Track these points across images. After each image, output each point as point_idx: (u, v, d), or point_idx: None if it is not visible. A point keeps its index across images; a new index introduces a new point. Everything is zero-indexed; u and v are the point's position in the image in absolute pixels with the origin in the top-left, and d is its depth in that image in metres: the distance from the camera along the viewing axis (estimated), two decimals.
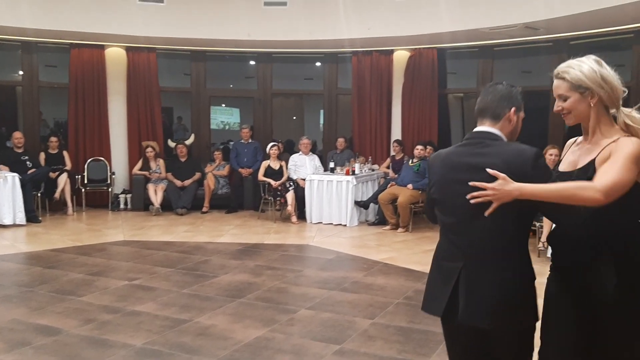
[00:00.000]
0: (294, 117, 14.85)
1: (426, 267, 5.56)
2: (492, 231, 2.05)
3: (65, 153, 9.33)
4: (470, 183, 2.01)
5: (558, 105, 2.19)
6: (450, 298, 2.10)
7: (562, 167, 2.28)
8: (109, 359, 3.50)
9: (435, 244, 2.31)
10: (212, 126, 13.16)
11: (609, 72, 2.12)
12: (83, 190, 9.47)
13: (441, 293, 2.14)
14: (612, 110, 2.16)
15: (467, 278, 2.08)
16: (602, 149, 2.10)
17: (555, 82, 2.19)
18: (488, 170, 1.99)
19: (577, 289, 2.15)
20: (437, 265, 2.23)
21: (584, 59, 2.16)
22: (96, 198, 9.77)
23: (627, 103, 2.36)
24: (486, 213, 2.00)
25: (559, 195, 1.97)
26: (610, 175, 1.97)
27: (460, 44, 9.29)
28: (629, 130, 2.12)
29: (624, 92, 2.18)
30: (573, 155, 2.26)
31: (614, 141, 2.08)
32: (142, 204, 9.38)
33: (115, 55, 9.86)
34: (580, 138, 2.29)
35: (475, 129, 2.20)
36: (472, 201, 2.01)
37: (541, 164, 2.04)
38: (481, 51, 9.34)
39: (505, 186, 1.96)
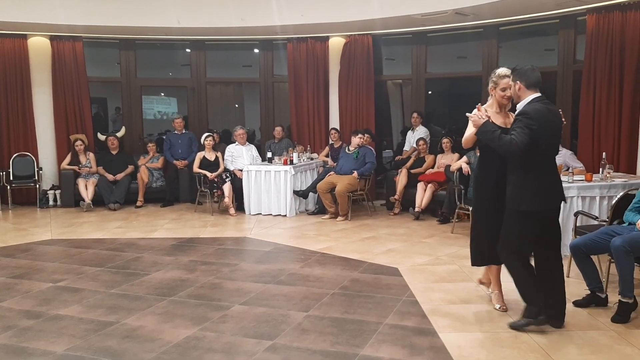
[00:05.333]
0: (236, 106, 14.59)
1: (363, 255, 5.77)
2: (557, 150, 3.82)
3: None
4: (561, 114, 3.85)
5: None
6: (555, 193, 3.73)
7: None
8: None
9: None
10: (149, 116, 12.78)
11: None
12: (9, 187, 9.01)
13: (553, 192, 3.70)
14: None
15: (557, 180, 3.75)
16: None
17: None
18: (561, 111, 3.88)
19: None
20: (541, 179, 3.63)
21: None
22: (23, 195, 9.34)
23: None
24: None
25: None
26: None
27: (395, 31, 9.29)
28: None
29: None
30: (497, 119, 3.95)
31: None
32: (72, 200, 9.01)
33: (39, 45, 9.36)
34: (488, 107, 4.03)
35: (540, 95, 3.67)
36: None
37: None
38: (415, 37, 9.38)
39: None
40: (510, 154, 3.55)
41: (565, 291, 3.83)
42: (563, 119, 3.79)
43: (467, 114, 3.86)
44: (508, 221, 3.74)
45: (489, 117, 3.76)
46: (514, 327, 3.78)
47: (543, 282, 3.76)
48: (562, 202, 3.80)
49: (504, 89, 3.92)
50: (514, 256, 3.73)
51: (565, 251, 5.52)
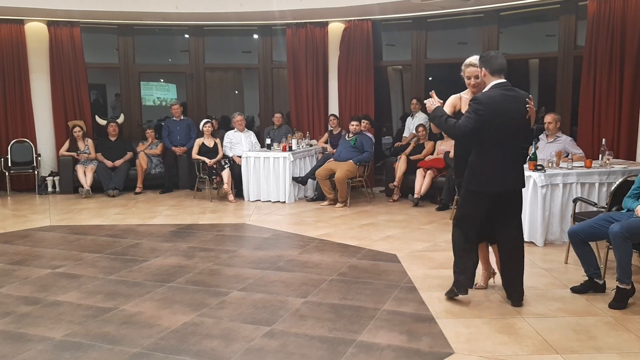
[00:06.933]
0: (236, 92, 14.50)
1: (362, 242, 5.75)
2: (519, 136, 3.82)
3: None
4: (528, 100, 3.79)
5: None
6: (505, 178, 3.81)
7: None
8: (25, 354, 3.30)
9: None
10: (148, 103, 12.71)
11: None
12: (7, 174, 9.00)
13: (501, 176, 3.79)
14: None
15: (510, 165, 3.81)
16: None
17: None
18: (530, 97, 3.84)
19: None
20: (490, 162, 3.76)
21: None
22: (22, 182, 9.33)
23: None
24: (527, 116, 3.81)
25: None
26: None
27: (394, 16, 9.22)
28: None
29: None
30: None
31: None
32: (71, 187, 9.00)
33: (36, 31, 9.31)
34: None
35: (502, 81, 3.78)
36: (529, 110, 3.81)
37: None
38: (415, 23, 9.31)
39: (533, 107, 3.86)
40: (454, 136, 3.89)
41: (522, 271, 3.99)
42: (529, 106, 3.78)
43: (425, 101, 4.03)
44: (462, 196, 3.99)
45: (441, 103, 3.94)
46: (446, 294, 4.10)
47: (503, 261, 4.02)
48: (519, 188, 3.92)
49: (468, 77, 4.07)
50: (458, 223, 3.99)
51: (564, 237, 5.56)
